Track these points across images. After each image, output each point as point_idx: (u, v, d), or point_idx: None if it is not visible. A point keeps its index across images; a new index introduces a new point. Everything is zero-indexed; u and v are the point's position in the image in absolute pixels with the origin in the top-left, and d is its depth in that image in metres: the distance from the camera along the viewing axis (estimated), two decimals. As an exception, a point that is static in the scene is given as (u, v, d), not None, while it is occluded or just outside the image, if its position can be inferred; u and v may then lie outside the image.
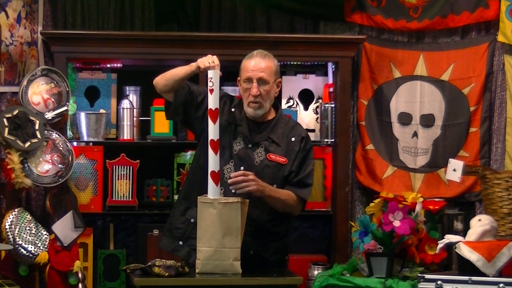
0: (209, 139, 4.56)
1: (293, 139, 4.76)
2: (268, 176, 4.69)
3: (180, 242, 4.77)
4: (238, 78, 4.78)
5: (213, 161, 4.56)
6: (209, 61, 4.59)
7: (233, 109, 4.79)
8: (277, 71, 4.77)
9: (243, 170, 4.66)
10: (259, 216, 4.68)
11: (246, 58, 4.77)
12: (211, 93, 4.55)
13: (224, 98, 4.81)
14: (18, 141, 5.07)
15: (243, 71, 4.74)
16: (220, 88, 4.64)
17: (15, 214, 5.10)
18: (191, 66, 4.66)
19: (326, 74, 5.88)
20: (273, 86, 4.74)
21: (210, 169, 4.55)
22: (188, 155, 5.69)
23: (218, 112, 4.58)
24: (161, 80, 4.77)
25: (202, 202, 4.56)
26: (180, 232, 4.78)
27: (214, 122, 4.57)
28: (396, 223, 4.83)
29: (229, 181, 4.60)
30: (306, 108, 5.87)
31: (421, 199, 5.07)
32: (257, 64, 4.70)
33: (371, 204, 5.11)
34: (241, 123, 4.77)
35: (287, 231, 4.88)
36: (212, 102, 4.57)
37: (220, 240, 4.52)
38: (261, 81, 4.69)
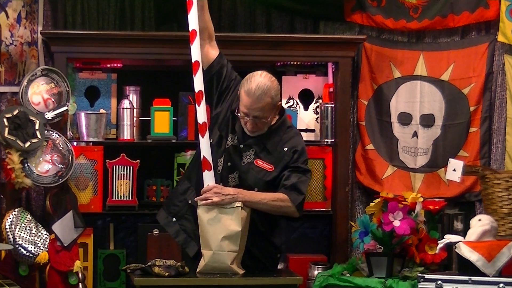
0: (198, 121, 4.61)
1: (285, 149, 4.69)
2: (251, 178, 4.67)
3: (173, 219, 4.77)
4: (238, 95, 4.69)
5: (202, 145, 4.62)
6: None
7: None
8: (276, 102, 4.63)
9: (230, 166, 4.67)
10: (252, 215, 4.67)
11: (244, 87, 4.60)
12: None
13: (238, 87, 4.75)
14: (18, 141, 5.07)
15: (240, 100, 4.62)
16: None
17: (15, 214, 5.10)
18: None
19: (326, 74, 5.88)
20: (271, 116, 4.65)
21: (201, 154, 4.62)
22: (188, 155, 5.69)
23: (203, 94, 4.61)
24: None
25: (201, 205, 4.59)
26: (176, 209, 4.78)
27: (199, 104, 4.61)
28: (396, 223, 4.84)
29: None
30: (306, 108, 5.87)
31: (421, 199, 5.08)
32: (254, 104, 4.56)
33: (371, 204, 5.12)
34: (238, 120, 4.73)
35: (276, 223, 4.80)
36: (198, 84, 4.61)
37: (218, 243, 4.53)
38: (257, 118, 4.61)
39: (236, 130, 4.72)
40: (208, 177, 4.62)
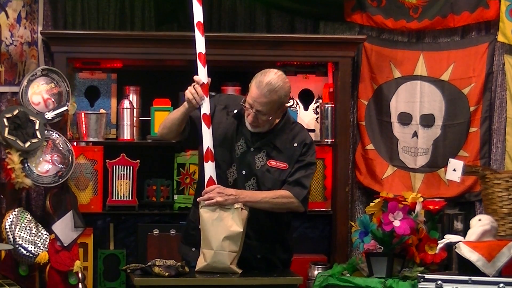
0: (202, 113, 4.59)
1: (295, 144, 4.70)
2: (269, 180, 4.67)
3: (193, 249, 4.74)
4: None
5: (206, 136, 4.61)
6: (191, 92, 4.56)
7: (235, 111, 4.72)
8: (282, 103, 4.61)
9: (245, 174, 4.67)
10: (263, 217, 4.67)
11: (256, 79, 4.58)
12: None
13: (227, 106, 4.76)
14: (18, 141, 5.07)
15: (250, 92, 4.60)
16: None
17: (15, 214, 5.10)
18: (184, 105, 4.64)
19: (326, 74, 5.88)
20: (274, 116, 4.62)
21: (205, 146, 4.59)
22: (188, 155, 5.69)
23: (207, 86, 4.61)
24: (163, 128, 4.75)
25: (203, 206, 4.58)
26: (192, 239, 4.75)
27: (207, 95, 4.61)
28: (396, 223, 4.83)
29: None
30: (306, 108, 5.87)
31: (421, 199, 5.07)
32: (261, 97, 4.53)
33: (371, 204, 5.11)
34: (245, 124, 4.71)
35: (288, 225, 4.85)
36: (203, 75, 4.60)
37: (219, 243, 4.53)
38: (259, 113, 4.59)
39: (242, 134, 4.70)
40: (210, 168, 4.63)
